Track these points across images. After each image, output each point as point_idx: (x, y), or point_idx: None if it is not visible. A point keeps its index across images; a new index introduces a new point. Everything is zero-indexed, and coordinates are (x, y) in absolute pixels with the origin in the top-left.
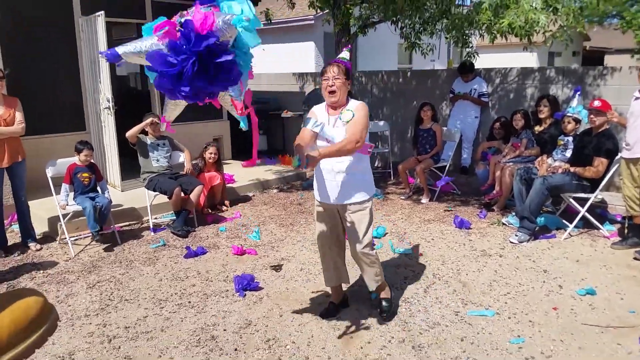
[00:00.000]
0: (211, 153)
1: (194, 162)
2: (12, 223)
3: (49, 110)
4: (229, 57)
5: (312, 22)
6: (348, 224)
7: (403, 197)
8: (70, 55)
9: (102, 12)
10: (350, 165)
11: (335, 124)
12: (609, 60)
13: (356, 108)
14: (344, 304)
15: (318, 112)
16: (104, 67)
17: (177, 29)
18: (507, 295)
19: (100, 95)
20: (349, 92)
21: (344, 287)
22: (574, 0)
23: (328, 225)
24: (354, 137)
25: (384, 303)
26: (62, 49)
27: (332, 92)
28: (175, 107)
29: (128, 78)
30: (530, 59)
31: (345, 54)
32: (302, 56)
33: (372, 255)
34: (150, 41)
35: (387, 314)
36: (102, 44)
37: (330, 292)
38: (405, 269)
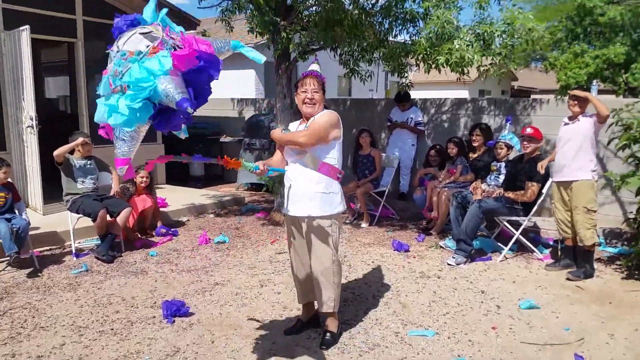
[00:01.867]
0: (142, 177)
1: (123, 185)
2: None
3: None
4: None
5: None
6: (308, 238)
7: (347, 222)
8: None
9: (27, 26)
10: (313, 178)
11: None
12: (534, 97)
13: (321, 114)
14: (314, 323)
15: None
16: (29, 84)
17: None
18: (446, 315)
19: (24, 114)
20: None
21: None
22: (505, 38)
23: (293, 238)
24: (303, 133)
25: (327, 336)
26: None
27: (311, 104)
28: (133, 144)
29: (57, 100)
30: (462, 96)
31: (315, 67)
32: (243, 83)
33: (329, 275)
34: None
35: (325, 347)
36: (27, 61)
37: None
38: (345, 291)
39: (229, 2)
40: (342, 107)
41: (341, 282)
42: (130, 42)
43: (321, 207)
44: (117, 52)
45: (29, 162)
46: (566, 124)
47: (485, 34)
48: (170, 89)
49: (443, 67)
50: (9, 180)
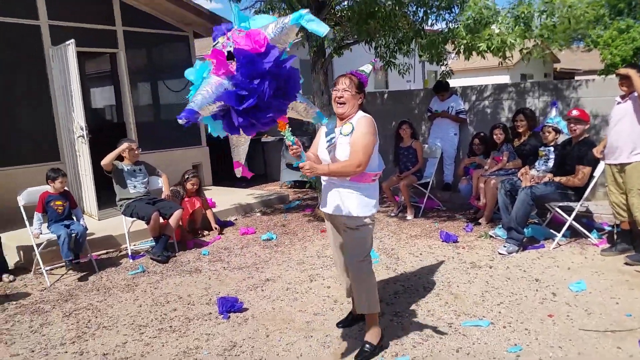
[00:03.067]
0: (193, 184)
1: (173, 188)
2: None
3: (21, 141)
4: (292, 60)
5: (287, 50)
6: (342, 237)
7: (392, 215)
8: (41, 85)
9: (73, 40)
10: (346, 180)
11: (336, 137)
12: (579, 79)
13: (358, 122)
14: (363, 317)
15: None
16: (77, 96)
17: (228, 61)
18: (500, 305)
19: (74, 124)
20: (362, 107)
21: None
22: (544, 18)
23: (332, 234)
24: (355, 161)
25: (366, 347)
26: (33, 80)
27: (340, 103)
28: (243, 145)
29: (104, 110)
30: (504, 81)
31: (366, 67)
32: None
33: (360, 276)
34: (211, 83)
35: (362, 359)
36: (74, 73)
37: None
38: (395, 283)
39: (262, 2)
40: (379, 101)
41: (375, 283)
42: None
43: (354, 207)
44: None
45: (82, 171)
46: (618, 103)
47: (524, 15)
48: (198, 98)
49: (485, 52)
50: (66, 188)
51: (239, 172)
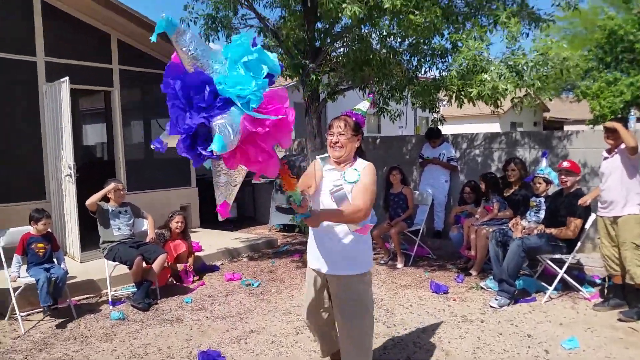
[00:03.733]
0: (177, 222)
1: (158, 231)
2: None
3: (6, 178)
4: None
5: None
6: (337, 300)
7: (382, 262)
8: (32, 121)
9: (67, 77)
10: (347, 236)
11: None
12: (568, 129)
13: (363, 170)
14: None
15: (322, 166)
16: (67, 134)
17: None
18: None
19: (62, 163)
20: (359, 149)
21: None
22: (536, 68)
23: (314, 291)
24: (363, 206)
25: None
26: (25, 115)
27: (337, 148)
28: (227, 189)
29: (95, 147)
30: (494, 129)
31: (363, 105)
32: None
33: (366, 333)
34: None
35: None
36: (66, 110)
37: None
38: (385, 337)
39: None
40: (371, 146)
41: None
42: None
43: (356, 265)
44: None
45: (67, 211)
46: (605, 157)
47: (519, 65)
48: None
49: (475, 100)
50: (49, 230)
51: (221, 215)
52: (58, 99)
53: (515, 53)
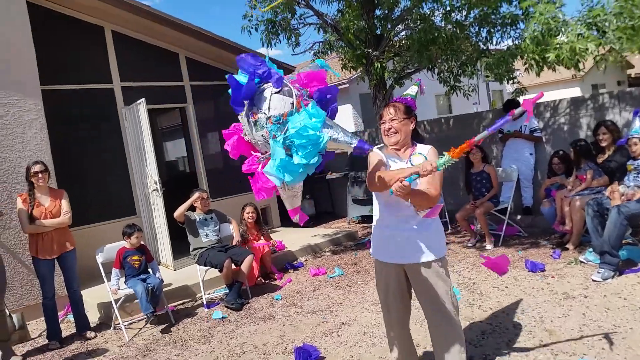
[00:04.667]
0: (249, 212)
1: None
2: (68, 313)
3: (100, 199)
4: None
5: (347, 85)
6: (417, 288)
7: (470, 245)
8: (116, 143)
9: (143, 99)
10: (420, 222)
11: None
12: None
13: (428, 153)
14: None
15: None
16: (150, 151)
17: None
18: (602, 340)
19: (148, 179)
20: (415, 132)
21: None
22: (620, 20)
23: (392, 288)
24: (435, 192)
25: None
26: (109, 140)
27: (392, 134)
28: (293, 194)
29: (177, 162)
30: (575, 94)
31: (412, 90)
32: (341, 118)
33: (455, 323)
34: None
35: None
36: (146, 129)
37: None
38: (481, 322)
39: (320, 43)
40: (445, 127)
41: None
42: (275, 103)
43: (433, 248)
44: (267, 117)
45: (157, 223)
46: None
47: (599, 19)
48: (340, 135)
49: (554, 65)
50: (142, 242)
51: (297, 218)
52: (137, 120)
53: (592, 10)
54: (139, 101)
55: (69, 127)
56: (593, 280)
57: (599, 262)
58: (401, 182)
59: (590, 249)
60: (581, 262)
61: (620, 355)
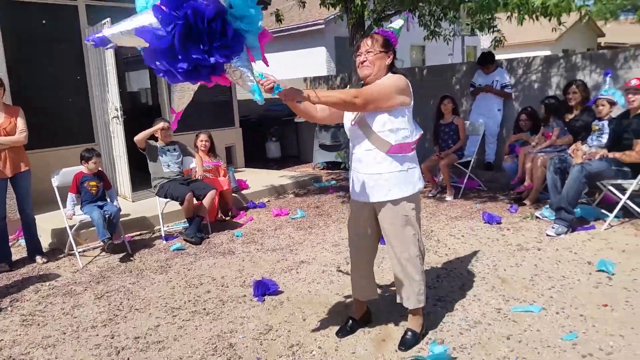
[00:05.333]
0: (202, 140)
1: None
2: (19, 237)
3: (56, 123)
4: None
5: (323, 26)
6: (384, 227)
7: (430, 195)
8: (77, 66)
9: (108, 19)
10: (385, 159)
11: None
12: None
13: (386, 77)
14: (366, 321)
15: None
16: (112, 76)
17: None
18: (551, 289)
19: (109, 105)
20: (391, 68)
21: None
22: None
23: (359, 226)
24: (357, 93)
25: (408, 335)
26: (69, 60)
27: (365, 66)
28: (183, 94)
29: (139, 93)
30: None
31: (396, 23)
32: (314, 62)
33: (416, 264)
34: (142, 17)
35: (405, 347)
36: (110, 53)
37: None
38: (437, 266)
39: None
40: (418, 77)
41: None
42: None
43: (400, 187)
44: None
45: (116, 152)
46: None
47: None
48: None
49: (539, 13)
50: (100, 169)
51: (171, 117)
52: None
53: None
54: (103, 21)
55: (27, 44)
56: (547, 235)
57: (554, 218)
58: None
59: (547, 206)
60: (537, 217)
61: (567, 303)
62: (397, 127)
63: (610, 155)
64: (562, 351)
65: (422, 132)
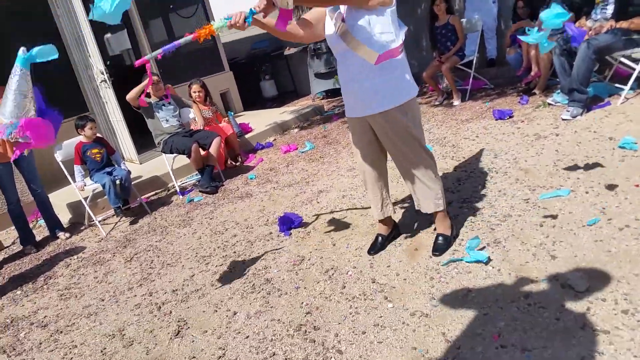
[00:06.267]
0: (195, 91)
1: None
2: (38, 218)
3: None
4: None
5: None
6: (383, 140)
7: (437, 103)
8: (51, 36)
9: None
10: (373, 70)
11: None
12: None
13: None
14: (395, 235)
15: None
16: (90, 40)
17: None
18: (577, 170)
19: (94, 71)
20: None
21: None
22: None
23: (362, 144)
24: None
25: (440, 240)
26: (39, 29)
27: None
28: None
29: (122, 56)
30: None
31: None
32: None
33: (426, 169)
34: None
35: (439, 252)
36: (82, 17)
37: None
38: (456, 171)
39: None
40: None
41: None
42: None
43: (393, 96)
44: None
45: (112, 117)
46: None
47: None
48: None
49: None
50: (99, 135)
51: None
52: (71, 6)
53: None
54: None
55: None
56: (563, 119)
57: (567, 102)
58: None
59: (558, 91)
60: (549, 104)
61: (595, 182)
62: (380, 31)
63: (618, 25)
64: (598, 228)
65: (406, 27)
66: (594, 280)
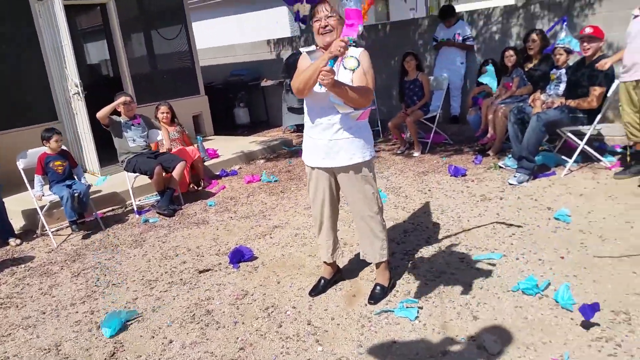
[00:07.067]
0: (162, 112)
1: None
2: None
3: (16, 104)
4: None
5: None
6: (346, 190)
7: (399, 152)
8: (30, 43)
9: None
10: (351, 126)
11: (337, 72)
12: None
13: (360, 55)
14: (337, 279)
15: (311, 56)
16: (69, 52)
17: None
18: (512, 236)
19: (68, 82)
20: None
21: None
22: None
23: (318, 192)
24: (371, 87)
25: (377, 289)
26: (21, 38)
27: (328, 32)
28: None
29: (99, 65)
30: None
31: None
32: (276, 22)
33: (378, 222)
34: None
35: (374, 301)
36: (63, 28)
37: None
38: (404, 222)
39: None
40: (381, 32)
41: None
42: None
43: (362, 151)
44: None
45: (80, 129)
46: (636, 16)
47: None
48: None
49: None
50: (64, 147)
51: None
52: (53, 17)
53: None
54: None
55: None
56: (509, 184)
57: (516, 167)
58: (323, 69)
59: (510, 155)
60: (500, 167)
61: (527, 249)
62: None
63: (567, 102)
64: (520, 294)
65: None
66: (507, 344)
